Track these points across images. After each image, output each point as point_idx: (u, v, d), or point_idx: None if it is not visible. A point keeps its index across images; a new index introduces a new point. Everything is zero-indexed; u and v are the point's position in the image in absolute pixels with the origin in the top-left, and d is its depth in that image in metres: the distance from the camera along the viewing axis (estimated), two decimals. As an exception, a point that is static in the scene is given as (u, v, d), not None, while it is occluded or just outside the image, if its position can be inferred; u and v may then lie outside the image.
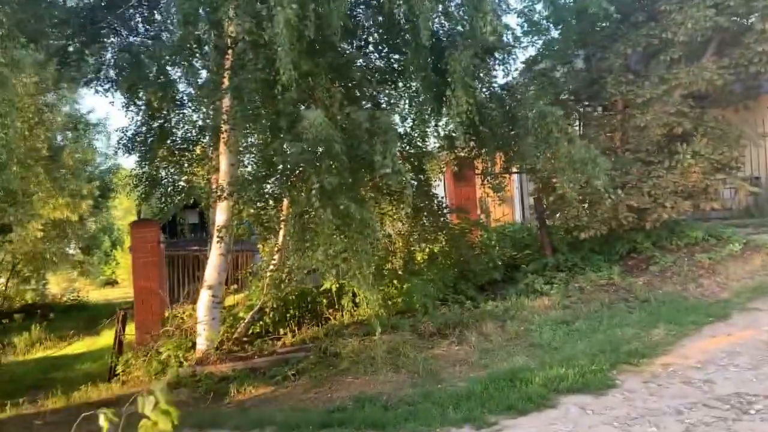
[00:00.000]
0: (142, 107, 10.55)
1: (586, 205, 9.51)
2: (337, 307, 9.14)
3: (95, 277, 34.61)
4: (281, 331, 8.91)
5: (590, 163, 7.98)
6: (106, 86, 10.04)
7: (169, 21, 10.00)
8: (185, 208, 15.95)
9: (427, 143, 10.08)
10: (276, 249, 8.66)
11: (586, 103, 10.96)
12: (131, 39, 10.09)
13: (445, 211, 9.92)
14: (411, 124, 9.65)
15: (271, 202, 7.90)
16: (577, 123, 10.75)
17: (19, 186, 14.20)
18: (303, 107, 6.59)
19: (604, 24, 10.28)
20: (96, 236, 29.16)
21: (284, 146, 6.70)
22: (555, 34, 10.62)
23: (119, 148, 10.68)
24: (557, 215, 10.19)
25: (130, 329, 10.80)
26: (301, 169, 6.89)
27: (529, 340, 7.33)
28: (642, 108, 9.58)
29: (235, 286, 11.08)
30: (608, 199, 8.50)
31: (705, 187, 9.45)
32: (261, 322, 8.98)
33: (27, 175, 17.18)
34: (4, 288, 23.18)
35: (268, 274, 8.76)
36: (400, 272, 9.36)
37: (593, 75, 10.50)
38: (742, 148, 9.67)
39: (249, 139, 8.24)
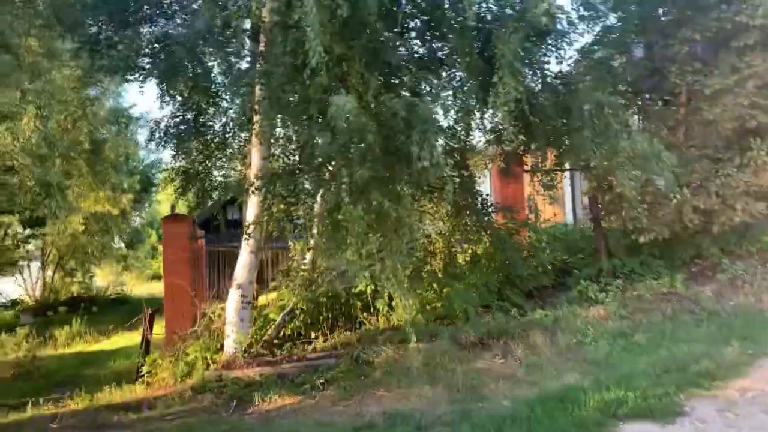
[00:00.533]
0: (177, 98, 10.20)
1: (646, 206, 8.68)
2: (372, 310, 8.57)
3: (141, 271, 34.99)
4: (313, 334, 8.38)
5: (653, 159, 7.18)
6: (139, 76, 9.69)
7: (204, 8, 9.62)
8: (227, 204, 15.66)
9: (472, 137, 9.40)
10: (307, 248, 8.13)
11: (647, 95, 10.08)
12: (165, 27, 9.71)
13: (490, 210, 9.22)
14: (454, 116, 9.01)
15: (302, 197, 7.36)
16: (636, 117, 9.89)
17: (58, 178, 14.18)
18: (334, 95, 6.02)
19: (667, 8, 9.44)
20: (140, 230, 29.34)
21: (314, 136, 6.16)
22: (613, 19, 9.81)
23: (152, 140, 10.32)
24: (613, 216, 9.38)
25: (161, 328, 10.48)
26: (333, 161, 6.34)
27: (582, 354, 6.61)
28: (710, 100, 8.71)
29: (274, 283, 10.63)
30: (673, 199, 7.68)
31: (782, 188, 8.52)
32: (292, 325, 8.47)
33: (69, 168, 17.28)
34: (50, 281, 23.45)
35: (300, 274, 8.24)
36: (439, 275, 8.72)
37: (655, 64, 9.64)
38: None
39: (279, 130, 7.73)
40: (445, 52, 8.41)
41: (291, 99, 6.53)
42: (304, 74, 5.72)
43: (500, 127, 8.81)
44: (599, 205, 9.70)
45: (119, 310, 21.77)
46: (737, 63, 8.47)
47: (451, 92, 9.06)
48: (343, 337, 8.23)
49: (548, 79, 8.63)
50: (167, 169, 12.01)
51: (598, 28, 9.77)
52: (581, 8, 9.29)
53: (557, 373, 6.16)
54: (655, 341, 6.56)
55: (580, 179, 11.64)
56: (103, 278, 29.18)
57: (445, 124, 8.93)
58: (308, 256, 8.45)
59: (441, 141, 8.72)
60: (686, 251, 9.01)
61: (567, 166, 9.97)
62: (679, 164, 8.05)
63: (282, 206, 7.50)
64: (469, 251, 9.41)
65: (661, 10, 9.57)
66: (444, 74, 9.06)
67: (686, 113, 9.22)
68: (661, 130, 9.32)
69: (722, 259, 8.69)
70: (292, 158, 7.79)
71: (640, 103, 10.13)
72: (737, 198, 8.44)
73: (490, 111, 8.74)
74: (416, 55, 8.34)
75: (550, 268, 9.10)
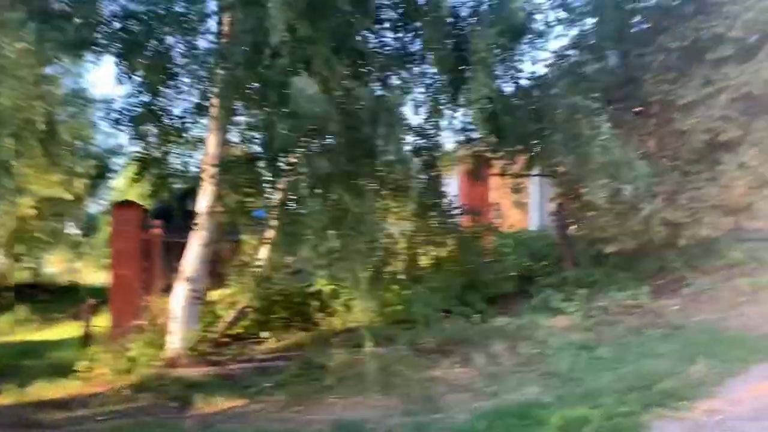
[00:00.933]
0: (133, 78, 9.64)
1: (614, 216, 8.50)
2: (329, 311, 8.19)
3: (96, 260, 33.88)
4: (265, 334, 7.96)
5: (626, 168, 6.99)
6: (94, 52, 9.11)
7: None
8: (187, 193, 15.07)
9: (441, 136, 9.10)
10: (262, 242, 7.72)
11: (620, 103, 9.92)
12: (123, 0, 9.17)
13: (456, 212, 8.94)
14: (424, 114, 8.71)
15: (259, 187, 6.95)
16: (608, 125, 9.71)
17: (6, 157, 13.41)
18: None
19: (644, 17, 9.29)
20: (96, 217, 28.36)
21: (274, 122, 5.77)
22: (590, 25, 9.62)
23: (107, 122, 9.75)
24: (580, 225, 9.18)
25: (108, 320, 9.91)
26: (292, 151, 5.95)
27: (544, 366, 6.33)
28: (683, 111, 8.54)
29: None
30: (642, 209, 7.49)
31: (749, 203, 8.42)
32: (243, 324, 8.04)
33: (21, 149, 16.44)
34: (-4, 265, 22.43)
35: (253, 269, 7.82)
36: (400, 277, 8.39)
37: (629, 73, 9.47)
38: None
39: (238, 115, 7.30)
40: (417, 46, 8.11)
41: (251, 81, 6.12)
42: (265, 54, 5.33)
43: (470, 126, 8.55)
44: (566, 213, 9.50)
45: (69, 299, 20.91)
46: (712, 75, 8.32)
47: (422, 89, 8.81)
48: (297, 338, 7.84)
49: (522, 81, 8.41)
50: (123, 154, 11.46)
51: (574, 32, 9.60)
52: (558, 10, 9.10)
53: (518, 384, 5.87)
54: (620, 356, 6.32)
55: (548, 185, 11.42)
56: (54, 265, 28.11)
57: (414, 122, 8.66)
58: (264, 251, 8.03)
59: (409, 138, 8.42)
60: (652, 264, 8.85)
61: (537, 170, 9.74)
62: (651, 174, 7.87)
63: (237, 196, 7.07)
64: (433, 253, 9.09)
65: (638, 18, 9.40)
66: (415, 69, 8.76)
67: (659, 123, 9.07)
68: (633, 139, 9.14)
69: (687, 273, 8.55)
70: (250, 146, 7.36)
71: (613, 110, 9.96)
72: (706, 212, 8.30)
73: (461, 111, 8.49)
74: (387, 48, 8.02)
75: (514, 274, 8.84)
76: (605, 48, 9.59)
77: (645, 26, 9.23)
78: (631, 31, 9.53)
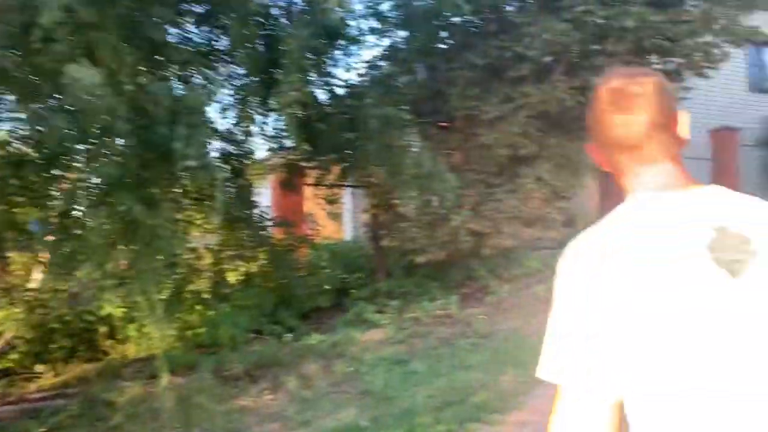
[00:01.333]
0: None
1: (424, 226, 8.58)
2: (120, 337, 7.20)
3: None
4: (39, 368, 6.77)
5: (436, 179, 7.01)
6: None
7: None
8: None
9: (252, 143, 8.54)
10: (36, 260, 6.56)
11: (429, 117, 10.14)
12: None
13: (267, 223, 8.42)
14: (233, 118, 8.11)
15: (30, 195, 5.86)
16: (417, 137, 9.86)
17: None
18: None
19: (452, 32, 9.57)
20: None
21: (47, 118, 4.83)
22: (401, 37, 9.71)
23: None
24: (393, 236, 9.17)
25: None
26: (70, 152, 5.05)
27: (359, 384, 6.05)
28: (487, 126, 8.91)
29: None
30: (451, 220, 7.61)
31: (544, 214, 8.99)
32: (10, 357, 6.77)
33: None
34: None
35: (24, 293, 6.62)
36: (205, 296, 7.66)
37: (438, 87, 9.71)
38: (583, 178, 9.37)
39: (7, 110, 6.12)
40: (226, 43, 7.50)
41: (20, 68, 5.10)
42: (35, 36, 4.43)
43: (283, 134, 8.13)
44: (379, 224, 9.44)
45: None
46: (512, 92, 8.77)
47: (231, 91, 8.20)
48: (81, 370, 6.76)
49: (336, 89, 8.17)
50: None
51: (386, 43, 9.63)
52: (372, 19, 9.03)
53: (333, 408, 5.51)
54: (433, 369, 6.26)
55: (362, 196, 11.36)
56: None
57: (222, 126, 8.02)
58: (39, 270, 6.85)
59: (216, 144, 7.78)
60: (459, 273, 9.09)
61: (350, 181, 9.58)
62: (459, 186, 8.04)
63: (2, 206, 5.89)
64: (242, 269, 8.47)
65: (445, 34, 9.66)
66: (223, 69, 8.14)
67: (465, 137, 9.36)
68: (440, 152, 9.35)
69: (490, 281, 8.89)
70: (21, 146, 6.20)
71: (422, 123, 10.14)
72: (507, 222, 8.70)
73: (274, 116, 8.03)
74: (192, 43, 7.31)
75: (328, 288, 8.54)
76: (415, 61, 9.74)
77: (452, 42, 9.49)
78: (439, 46, 9.78)
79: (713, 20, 8.38)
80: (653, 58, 9.26)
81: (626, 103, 1.24)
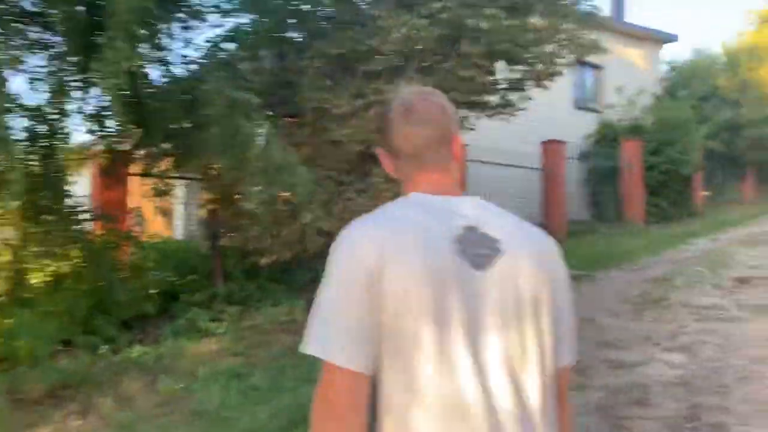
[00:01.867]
0: None
1: (270, 225, 7.90)
2: None
3: None
4: None
5: (288, 172, 6.40)
6: None
7: None
8: None
9: (67, 122, 7.32)
10: None
11: (277, 108, 9.46)
12: None
13: (84, 216, 7.24)
14: (46, 92, 6.89)
15: None
16: (268, 125, 9.16)
17: None
18: None
19: (304, 20, 8.99)
20: None
21: None
22: (248, 19, 8.93)
23: None
24: (234, 234, 8.37)
25: None
26: None
27: (190, 404, 5.25)
28: (339, 121, 8.44)
29: None
30: (303, 218, 7.03)
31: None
32: None
33: None
34: None
35: None
36: (1, 300, 6.35)
37: (287, 77, 9.09)
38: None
39: None
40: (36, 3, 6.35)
41: None
42: None
43: (107, 113, 7.07)
44: (218, 221, 8.60)
45: None
46: (364, 88, 8.39)
47: (43, 61, 7.00)
48: None
49: (173, 67, 7.26)
50: None
51: (231, 23, 8.80)
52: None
53: (157, 434, 4.69)
54: (277, 383, 5.63)
55: (199, 189, 10.34)
56: None
57: (31, 101, 6.79)
58: None
59: (20, 120, 6.56)
60: (306, 275, 8.52)
61: (186, 172, 8.60)
62: (311, 182, 7.48)
63: None
64: (51, 268, 7.19)
65: (295, 20, 9.06)
66: (33, 34, 6.92)
67: (315, 131, 8.82)
68: (289, 145, 8.72)
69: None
70: None
71: (270, 114, 9.44)
72: (357, 223, 8.30)
73: (96, 93, 6.95)
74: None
75: (155, 292, 7.54)
76: (261, 46, 9.03)
77: (304, 31, 8.92)
78: (289, 33, 9.16)
79: (558, 31, 8.63)
80: (501, 64, 9.40)
81: (414, 118, 1.43)
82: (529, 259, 1.33)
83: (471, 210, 1.36)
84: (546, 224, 13.92)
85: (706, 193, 19.50)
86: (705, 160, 18.42)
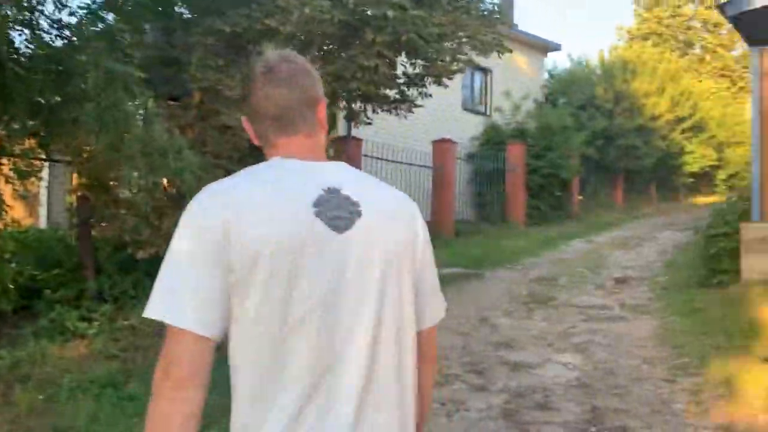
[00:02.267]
0: None
1: (150, 214, 7.18)
2: None
3: None
4: None
5: (172, 156, 5.78)
6: None
7: None
8: None
9: None
10: None
11: (161, 87, 8.66)
12: None
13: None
14: None
15: None
16: (152, 102, 8.37)
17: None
18: None
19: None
20: None
21: None
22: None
23: None
24: (107, 224, 7.55)
25: None
26: None
27: (53, 418, 4.56)
28: (231, 105, 7.86)
29: None
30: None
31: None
32: None
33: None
34: None
35: None
36: None
37: (173, 54, 8.37)
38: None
39: None
40: None
41: None
42: None
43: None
44: (89, 208, 7.72)
45: None
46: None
47: None
48: None
49: (42, 30, 6.36)
50: None
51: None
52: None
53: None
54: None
55: (68, 172, 9.29)
56: None
57: None
58: None
59: None
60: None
61: (53, 152, 7.64)
62: (200, 168, 6.85)
63: None
64: None
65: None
66: None
67: (203, 115, 8.17)
68: (173, 128, 8.01)
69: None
70: None
71: (153, 94, 8.64)
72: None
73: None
74: None
75: (12, 286, 6.62)
76: (144, 18, 8.23)
77: (194, 4, 8.23)
78: (176, 7, 8.43)
79: (460, 27, 8.55)
80: (402, 59, 9.22)
81: (277, 78, 1.37)
82: (390, 221, 1.34)
83: (333, 174, 1.35)
84: (435, 223, 13.98)
85: (581, 197, 20.55)
86: (581, 166, 19.38)
